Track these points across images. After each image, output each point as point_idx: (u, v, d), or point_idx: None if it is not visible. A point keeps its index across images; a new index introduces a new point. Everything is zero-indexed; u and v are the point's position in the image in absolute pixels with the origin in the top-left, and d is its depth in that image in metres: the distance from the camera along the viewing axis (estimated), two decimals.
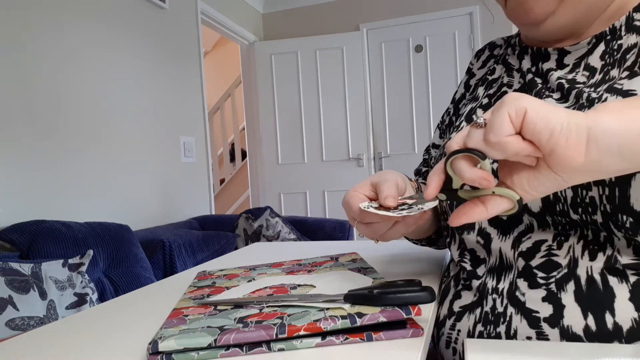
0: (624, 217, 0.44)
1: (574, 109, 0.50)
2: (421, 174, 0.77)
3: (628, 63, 0.50)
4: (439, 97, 3.56)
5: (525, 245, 0.51)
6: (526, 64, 0.61)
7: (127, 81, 2.34)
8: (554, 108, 0.35)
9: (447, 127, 0.73)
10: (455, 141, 0.39)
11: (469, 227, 0.56)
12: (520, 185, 0.38)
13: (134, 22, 2.41)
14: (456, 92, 0.74)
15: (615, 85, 0.48)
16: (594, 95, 0.49)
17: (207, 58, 5.61)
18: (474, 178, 0.37)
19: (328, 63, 3.69)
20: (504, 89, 0.62)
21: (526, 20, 0.54)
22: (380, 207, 0.50)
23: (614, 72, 0.51)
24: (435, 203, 0.47)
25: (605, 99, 0.47)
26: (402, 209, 0.48)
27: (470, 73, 0.73)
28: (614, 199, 0.44)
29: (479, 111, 0.62)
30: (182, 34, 2.82)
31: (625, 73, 0.49)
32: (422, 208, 0.47)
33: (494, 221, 0.54)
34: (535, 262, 0.49)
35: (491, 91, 0.64)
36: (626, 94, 0.46)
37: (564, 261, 0.48)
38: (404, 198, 0.51)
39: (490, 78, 0.66)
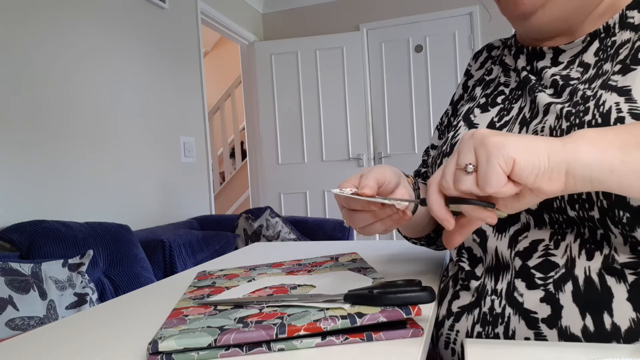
0: (621, 213, 0.44)
1: (568, 105, 0.50)
2: (420, 174, 0.77)
3: (621, 57, 0.50)
4: (438, 97, 3.56)
5: (522, 245, 0.51)
6: (521, 62, 0.61)
7: (127, 81, 2.34)
8: (535, 146, 0.37)
9: (445, 128, 0.73)
10: (447, 181, 0.41)
11: None
12: (505, 205, 0.41)
13: (134, 22, 2.41)
14: (455, 93, 0.75)
15: (609, 82, 0.48)
16: (588, 92, 0.49)
17: (207, 58, 5.61)
18: (482, 217, 0.41)
19: (328, 63, 3.69)
20: (501, 87, 0.63)
21: (516, 11, 0.55)
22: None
23: (607, 66, 0.51)
24: (406, 205, 0.50)
25: (600, 96, 0.47)
26: (376, 199, 0.49)
27: (468, 74, 0.73)
28: (610, 195, 0.44)
29: (476, 110, 0.62)
30: (182, 34, 2.82)
31: (618, 67, 0.50)
32: (392, 202, 0.49)
33: None
34: (532, 262, 0.49)
35: (488, 90, 0.65)
36: (621, 90, 0.47)
37: (561, 261, 0.48)
38: (388, 198, 0.51)
39: (487, 78, 0.67)
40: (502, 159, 0.36)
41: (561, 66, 0.56)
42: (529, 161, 0.36)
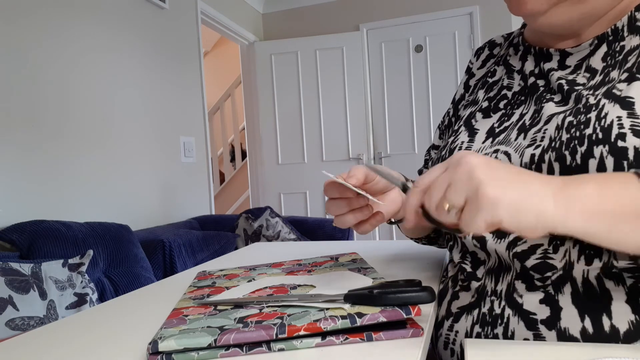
0: None
1: (570, 114, 0.49)
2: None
3: (629, 64, 0.49)
4: (439, 97, 3.56)
5: (520, 247, 0.50)
6: (529, 65, 0.61)
7: (127, 81, 2.34)
8: (526, 204, 0.38)
9: (446, 127, 0.73)
10: (430, 203, 0.42)
11: None
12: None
13: (134, 23, 2.41)
14: (456, 92, 0.74)
15: (613, 91, 0.48)
16: (592, 100, 0.48)
17: (207, 58, 5.61)
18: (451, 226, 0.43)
19: (328, 63, 3.69)
20: (504, 91, 0.62)
21: (519, 12, 0.55)
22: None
23: (614, 74, 0.50)
24: (380, 205, 0.55)
25: (603, 107, 0.47)
26: (358, 191, 0.52)
27: (469, 73, 0.73)
28: None
29: (478, 115, 0.62)
30: (182, 34, 2.82)
31: (625, 75, 0.49)
32: (365, 195, 0.53)
33: None
34: (529, 262, 0.49)
35: (491, 94, 0.64)
36: (623, 102, 0.46)
37: (559, 264, 0.48)
38: (366, 194, 0.53)
39: (490, 80, 0.66)
40: (489, 217, 0.38)
41: (568, 70, 0.55)
42: (514, 222, 0.38)
